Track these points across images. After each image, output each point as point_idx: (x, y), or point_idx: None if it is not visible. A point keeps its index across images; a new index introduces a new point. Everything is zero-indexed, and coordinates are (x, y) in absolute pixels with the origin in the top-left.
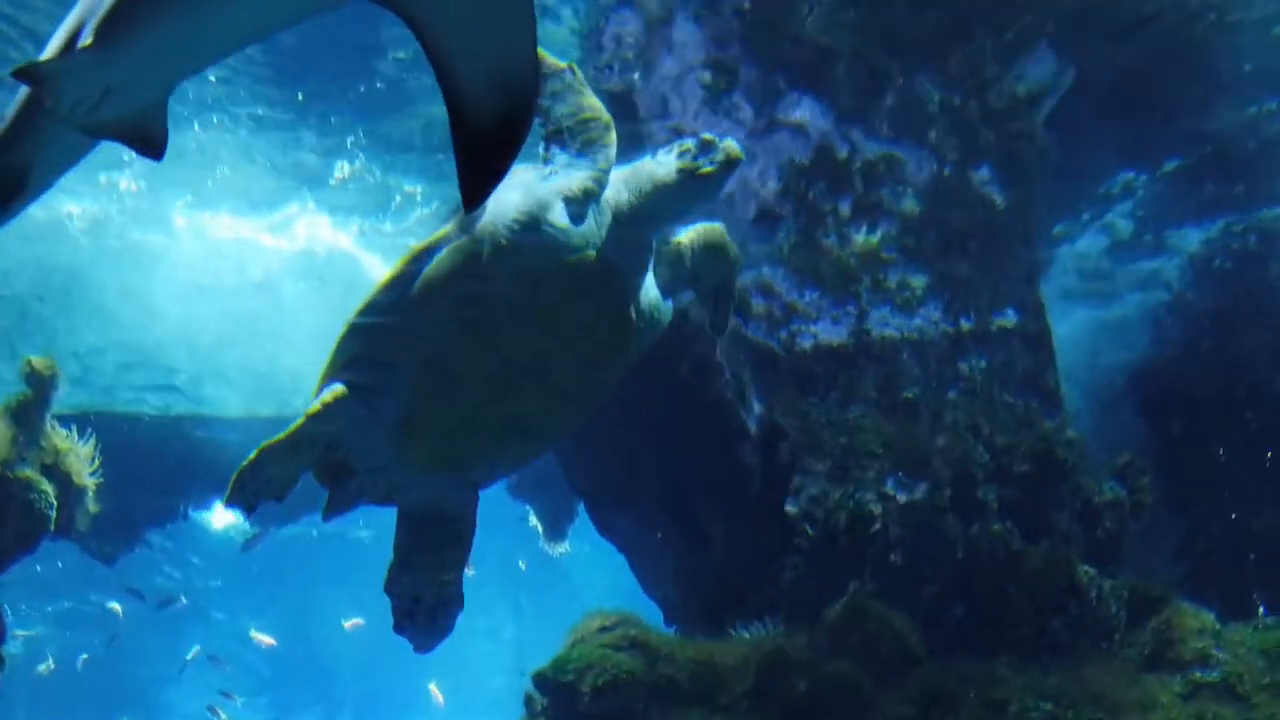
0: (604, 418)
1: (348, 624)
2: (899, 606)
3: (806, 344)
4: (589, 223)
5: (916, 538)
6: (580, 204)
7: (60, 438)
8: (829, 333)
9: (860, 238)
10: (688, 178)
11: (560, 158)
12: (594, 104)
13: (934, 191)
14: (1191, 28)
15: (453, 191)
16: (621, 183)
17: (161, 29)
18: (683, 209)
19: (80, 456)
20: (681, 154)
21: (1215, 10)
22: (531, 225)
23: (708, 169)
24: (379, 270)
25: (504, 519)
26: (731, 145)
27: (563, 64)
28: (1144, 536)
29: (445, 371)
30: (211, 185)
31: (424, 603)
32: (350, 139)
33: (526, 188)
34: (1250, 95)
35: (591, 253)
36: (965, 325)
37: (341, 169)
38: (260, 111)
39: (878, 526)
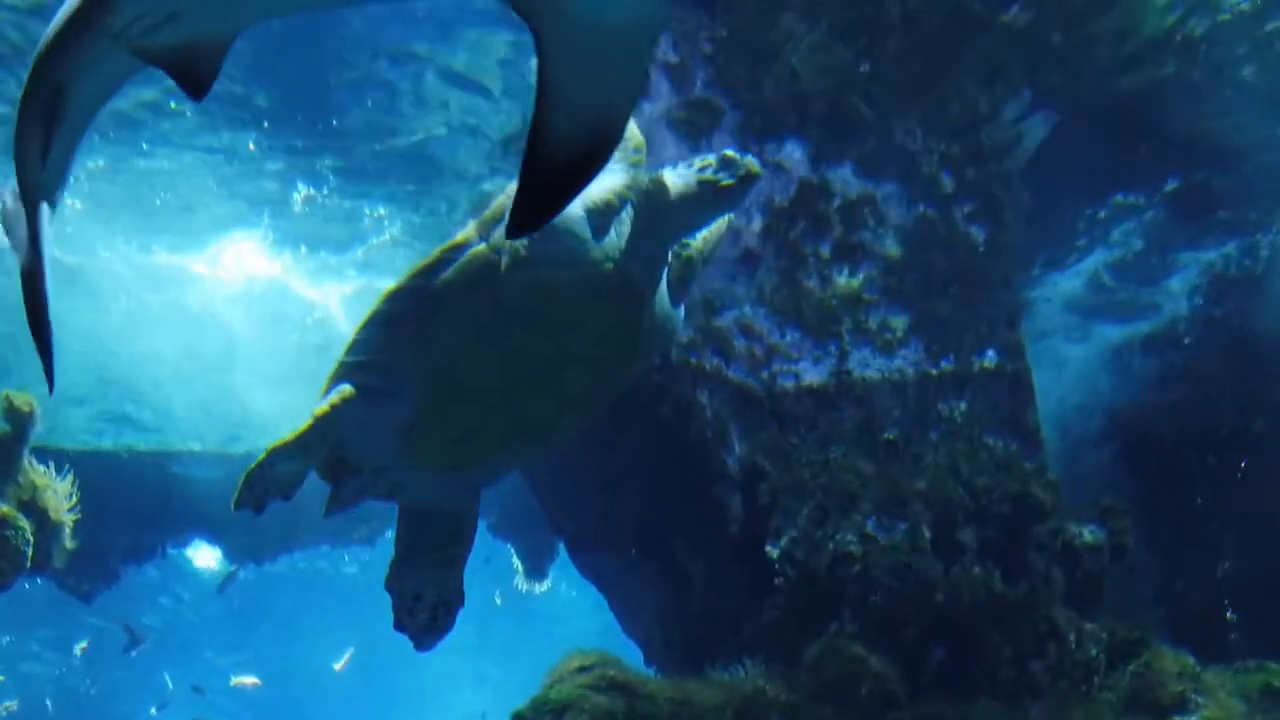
0: (586, 458)
1: (338, 665)
2: (879, 648)
3: (788, 384)
4: (609, 235)
5: (896, 579)
6: (602, 216)
7: (38, 474)
8: (810, 373)
9: (842, 279)
10: (708, 191)
11: None
12: (630, 125)
13: (915, 233)
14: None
15: (415, 220)
16: (641, 195)
17: None
18: (700, 222)
19: (58, 493)
20: (702, 169)
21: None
22: (552, 235)
23: (728, 183)
24: (331, 301)
25: (478, 555)
26: (752, 162)
27: None
28: (1123, 579)
29: (457, 378)
30: (159, 205)
31: (424, 600)
32: (317, 165)
33: None
34: (1245, 120)
35: (609, 265)
36: (946, 366)
37: (302, 192)
38: (215, 138)
39: (858, 568)
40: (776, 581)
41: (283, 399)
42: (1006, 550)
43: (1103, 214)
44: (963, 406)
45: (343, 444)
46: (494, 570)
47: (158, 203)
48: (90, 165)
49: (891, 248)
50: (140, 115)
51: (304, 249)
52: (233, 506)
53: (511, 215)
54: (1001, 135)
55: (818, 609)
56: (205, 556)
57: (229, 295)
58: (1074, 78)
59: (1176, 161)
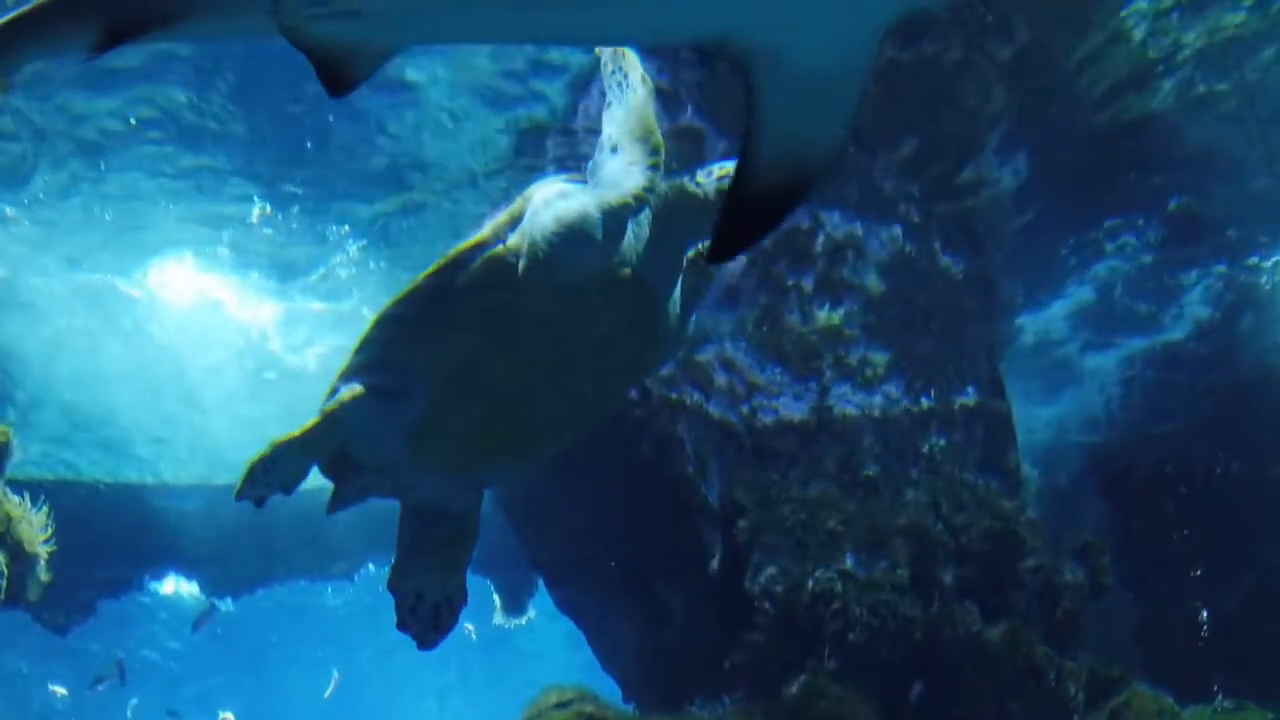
0: (565, 492)
1: (327, 692)
2: (858, 686)
3: (768, 420)
4: (627, 239)
5: (876, 617)
6: (620, 219)
7: (12, 505)
8: (791, 409)
9: (823, 314)
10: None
11: (609, 172)
12: (654, 128)
13: (897, 269)
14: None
15: (383, 241)
16: (659, 200)
17: None
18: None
19: (32, 524)
20: (721, 177)
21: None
22: (570, 238)
23: None
24: (280, 324)
25: None
26: None
27: (645, 81)
28: (1103, 618)
29: (467, 379)
30: (110, 220)
31: (427, 599)
32: (285, 187)
33: (569, 199)
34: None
35: (626, 270)
36: (926, 403)
37: (259, 209)
38: (179, 158)
39: (837, 605)
40: (756, 618)
41: (247, 426)
42: (986, 588)
43: (1097, 235)
44: (943, 443)
45: (348, 442)
46: (470, 603)
47: (108, 219)
48: (42, 181)
49: (873, 283)
50: (99, 135)
51: (256, 275)
52: (234, 498)
53: (713, 245)
54: (982, 169)
55: (797, 646)
56: (183, 589)
57: (183, 319)
58: (1056, 110)
59: (1168, 188)
